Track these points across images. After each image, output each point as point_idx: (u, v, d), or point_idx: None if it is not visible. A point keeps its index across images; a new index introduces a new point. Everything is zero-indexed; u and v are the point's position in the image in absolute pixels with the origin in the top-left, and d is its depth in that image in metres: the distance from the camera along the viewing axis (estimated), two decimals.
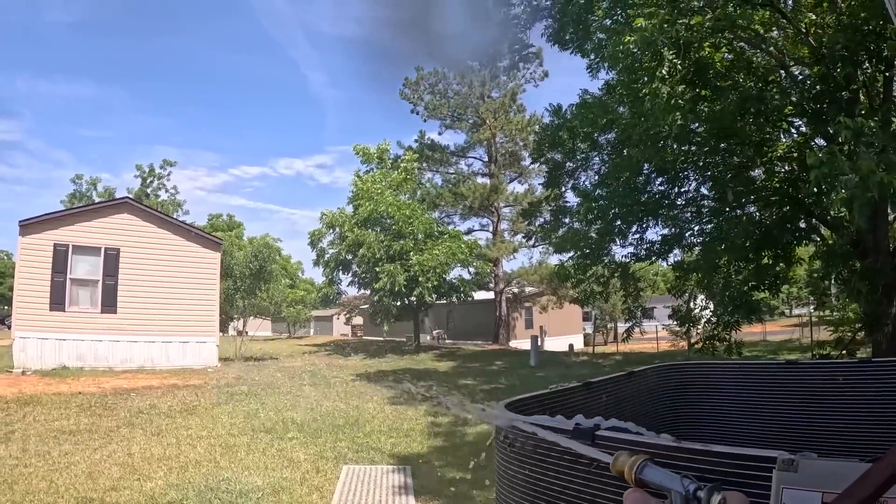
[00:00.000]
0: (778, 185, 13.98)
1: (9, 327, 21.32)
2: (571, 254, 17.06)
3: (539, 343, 23.15)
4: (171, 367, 19.24)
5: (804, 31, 11.51)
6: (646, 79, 11.29)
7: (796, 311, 35.97)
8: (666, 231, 16.04)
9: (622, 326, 47.83)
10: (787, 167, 13.79)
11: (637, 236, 16.52)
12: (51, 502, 6.48)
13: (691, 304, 17.47)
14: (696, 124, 12.45)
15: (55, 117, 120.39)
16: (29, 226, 17.96)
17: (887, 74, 11.45)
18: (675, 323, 18.31)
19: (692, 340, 16.35)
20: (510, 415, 2.16)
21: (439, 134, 34.10)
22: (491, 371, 20.74)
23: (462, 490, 7.33)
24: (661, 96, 10.94)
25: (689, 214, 15.67)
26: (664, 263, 17.89)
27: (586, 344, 40.22)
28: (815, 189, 9.07)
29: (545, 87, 34.30)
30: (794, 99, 12.01)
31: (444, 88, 34.49)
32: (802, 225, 14.37)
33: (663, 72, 10.82)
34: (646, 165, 14.34)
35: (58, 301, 18.05)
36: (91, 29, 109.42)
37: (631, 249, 16.71)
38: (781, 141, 13.68)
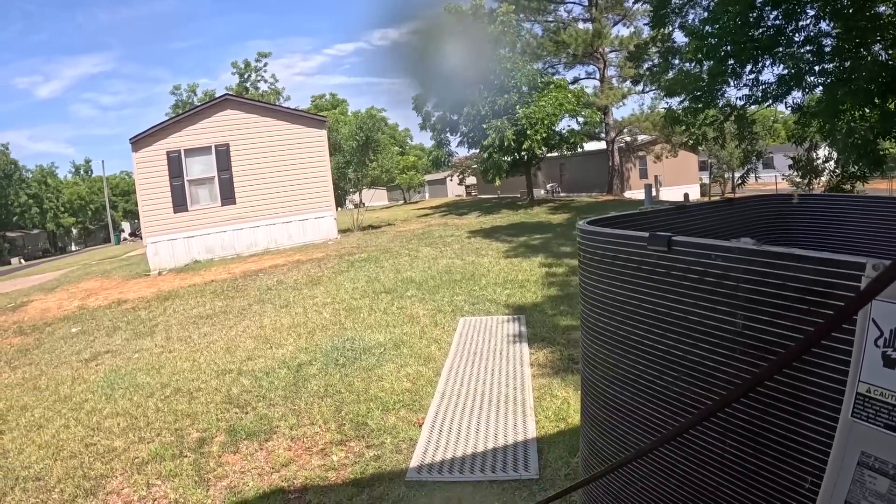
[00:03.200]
0: None
1: (140, 237, 22.79)
2: (683, 97, 16.02)
3: (654, 192, 22.39)
4: (294, 245, 20.14)
5: None
6: None
7: None
8: (783, 71, 14.47)
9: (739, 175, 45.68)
10: None
11: (752, 76, 15.09)
12: (194, 378, 7.06)
13: (813, 153, 16.26)
14: None
15: (143, 39, 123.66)
16: (139, 140, 18.79)
17: None
18: (796, 174, 17.08)
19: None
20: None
21: None
22: None
23: (574, 337, 7.34)
24: None
25: (807, 53, 14.09)
26: (782, 107, 16.32)
27: (703, 194, 38.64)
28: None
29: None
30: None
31: None
32: None
33: None
34: None
35: (179, 203, 19.09)
36: None
37: (746, 91, 15.31)
38: None
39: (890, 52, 12.79)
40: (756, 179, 20.28)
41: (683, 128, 17.11)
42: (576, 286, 10.31)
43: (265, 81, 54.44)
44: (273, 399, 6.12)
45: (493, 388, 5.99)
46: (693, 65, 15.99)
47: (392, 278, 12.08)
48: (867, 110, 13.13)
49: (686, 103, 15.80)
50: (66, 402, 6.82)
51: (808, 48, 13.97)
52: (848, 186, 13.88)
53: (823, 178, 15.77)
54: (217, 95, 21.85)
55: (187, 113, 20.30)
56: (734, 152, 37.97)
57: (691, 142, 17.56)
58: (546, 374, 6.24)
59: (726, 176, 42.94)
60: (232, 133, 19.71)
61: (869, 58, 12.89)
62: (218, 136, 19.55)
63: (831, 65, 13.59)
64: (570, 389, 5.73)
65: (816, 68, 13.94)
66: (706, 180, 45.35)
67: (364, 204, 32.05)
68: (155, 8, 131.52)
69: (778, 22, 14.02)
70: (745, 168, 16.83)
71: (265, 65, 54.52)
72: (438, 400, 5.77)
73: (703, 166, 46.60)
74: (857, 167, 13.24)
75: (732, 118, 16.10)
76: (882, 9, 12.94)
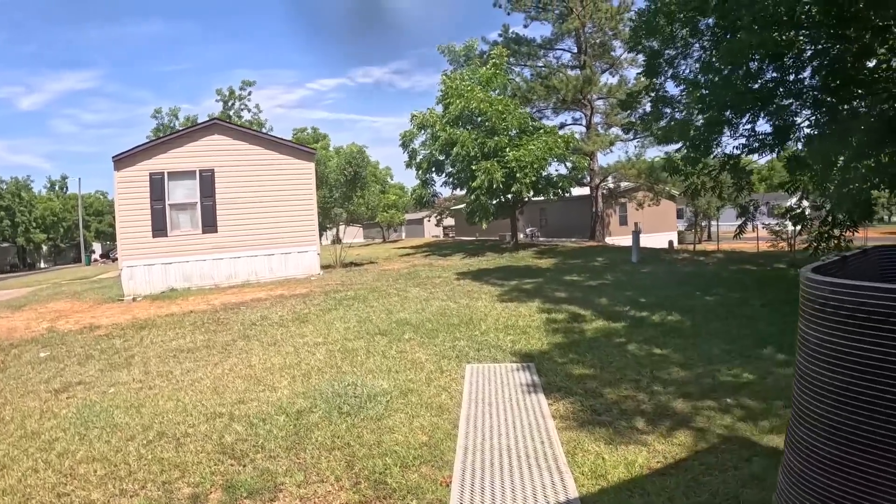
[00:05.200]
0: None
1: (114, 260, 21.93)
2: (679, 145, 15.92)
3: (637, 238, 22.17)
4: (275, 279, 19.43)
5: None
6: None
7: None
8: (779, 122, 14.41)
9: (716, 225, 46.10)
10: None
11: (748, 127, 15.03)
12: (180, 421, 6.34)
13: (803, 202, 16.17)
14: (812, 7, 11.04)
15: (130, 59, 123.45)
16: (123, 159, 18.08)
17: None
18: (788, 222, 17.01)
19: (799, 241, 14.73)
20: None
21: (524, 27, 32.03)
22: (594, 267, 20.07)
23: (591, 387, 6.95)
24: None
25: (803, 106, 14.11)
26: (776, 156, 16.26)
27: (680, 242, 38.78)
28: None
29: None
30: None
31: None
32: None
33: None
34: (757, 52, 12.76)
35: (159, 227, 18.33)
36: None
37: (742, 141, 15.21)
38: None
39: (885, 105, 12.63)
40: (755, 230, 20.01)
41: (683, 176, 16.84)
42: (580, 333, 9.91)
43: (249, 110, 54.01)
44: (273, 450, 5.45)
45: (519, 442, 5.44)
46: (684, 114, 15.96)
47: (385, 319, 11.47)
48: (859, 162, 12.87)
49: (684, 151, 15.62)
50: (34, 440, 6.08)
51: (803, 100, 13.90)
52: (836, 232, 13.72)
53: (809, 228, 15.54)
54: (204, 119, 21.20)
55: (173, 135, 19.68)
56: (712, 201, 38.21)
57: (689, 192, 17.29)
58: (571, 427, 5.76)
59: (703, 224, 43.26)
60: (218, 159, 19.10)
61: (862, 110, 12.97)
62: (203, 161, 18.93)
63: (825, 118, 13.53)
64: (602, 443, 5.31)
65: (812, 118, 13.97)
66: (682, 228, 45.62)
67: (343, 240, 31.40)
68: (143, 29, 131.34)
69: (775, 75, 13.96)
70: (743, 219, 16.58)
71: (249, 93, 54.15)
72: (462, 455, 5.17)
73: (679, 214, 46.86)
74: (845, 216, 13.09)
75: (728, 168, 15.90)
76: (873, 63, 12.96)
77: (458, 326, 10.58)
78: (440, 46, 29.19)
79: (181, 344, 10.24)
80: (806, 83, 13.46)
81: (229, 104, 53.13)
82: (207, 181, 18.83)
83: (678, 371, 7.52)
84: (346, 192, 25.33)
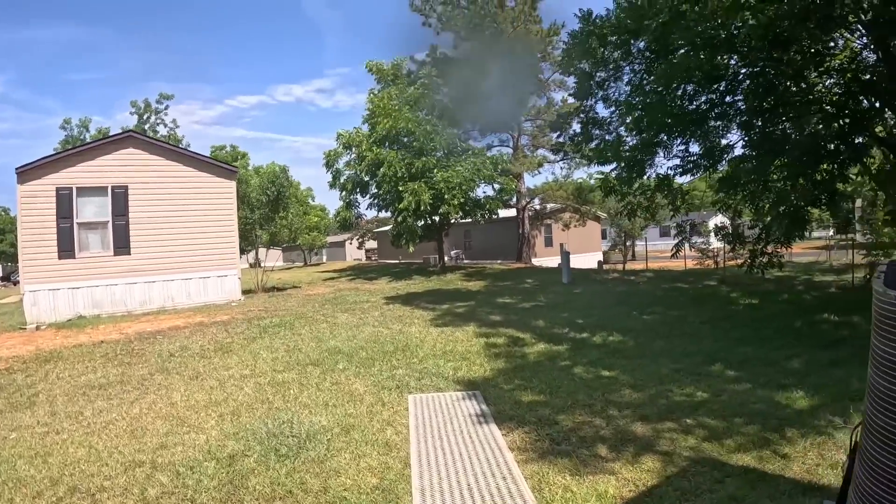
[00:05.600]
0: (835, 99, 12.99)
1: (16, 283, 20.35)
2: (613, 166, 16.04)
3: (567, 259, 22.22)
4: (193, 305, 18.43)
5: None
6: None
7: (815, 234, 34.60)
8: (713, 143, 15.00)
9: (643, 244, 47.07)
10: (844, 78, 12.71)
11: (682, 148, 15.47)
12: (94, 472, 5.51)
13: (736, 220, 16.74)
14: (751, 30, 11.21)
15: (39, 65, 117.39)
16: (27, 172, 16.72)
17: None
18: (714, 240, 17.39)
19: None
20: None
21: (454, 47, 31.76)
22: (525, 289, 19.94)
23: (544, 414, 6.57)
24: None
25: (737, 126, 14.63)
26: (708, 176, 16.67)
27: (605, 262, 39.40)
28: None
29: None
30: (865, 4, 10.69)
31: None
32: (859, 141, 13.47)
33: None
34: (694, 74, 13.01)
35: (66, 248, 17.05)
36: None
37: (677, 161, 15.55)
38: (839, 52, 12.62)
39: (819, 125, 13.16)
40: (692, 248, 20.34)
41: (620, 197, 16.98)
42: (522, 357, 9.53)
43: (165, 125, 52.03)
44: (205, 503, 4.79)
45: (480, 480, 4.98)
46: (614, 136, 16.23)
47: (315, 348, 10.85)
48: (799, 180, 13.48)
49: (618, 172, 15.71)
50: None
51: (738, 122, 14.28)
52: (767, 250, 14.11)
53: (745, 245, 15.91)
54: (119, 131, 19.96)
55: (84, 146, 18.31)
56: (636, 221, 38.98)
57: (626, 212, 17.43)
58: (532, 460, 5.36)
59: (627, 244, 44.10)
60: (132, 174, 18.00)
61: (801, 131, 13.34)
62: (116, 177, 17.79)
63: (759, 138, 13.83)
64: (567, 475, 4.97)
65: (745, 140, 14.30)
66: (605, 248, 46.28)
67: (263, 263, 30.30)
68: (56, 33, 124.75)
69: (711, 96, 14.25)
70: (680, 238, 16.77)
71: (166, 107, 52.27)
72: (420, 499, 4.67)
73: (603, 234, 47.64)
74: (780, 232, 13.43)
75: (663, 188, 16.10)
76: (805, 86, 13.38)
77: (395, 354, 10.06)
78: (368, 63, 28.67)
79: (92, 379, 9.31)
80: (741, 105, 13.72)
81: (145, 118, 51.08)
82: (120, 198, 17.70)
83: (630, 393, 7.31)
84: (268, 212, 24.41)
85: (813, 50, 11.93)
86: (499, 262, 34.52)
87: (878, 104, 12.89)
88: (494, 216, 28.51)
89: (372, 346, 10.80)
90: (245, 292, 21.09)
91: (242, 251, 28.81)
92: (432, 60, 31.88)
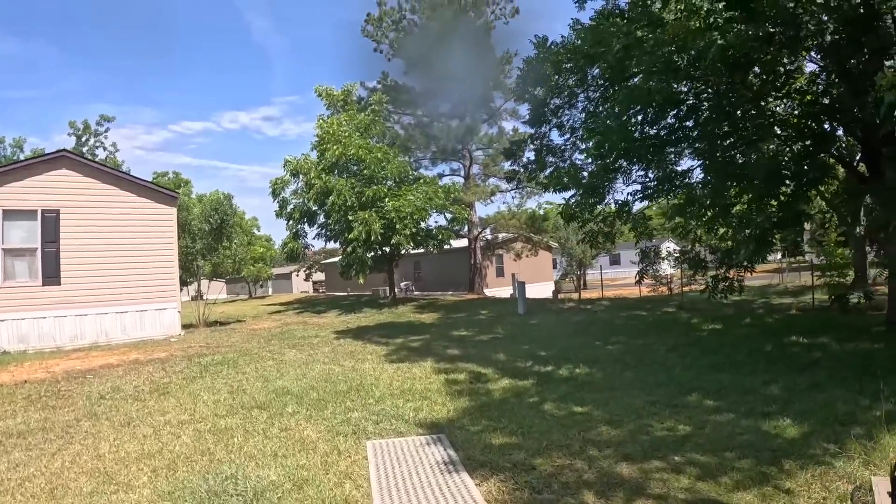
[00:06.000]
0: (796, 121, 13.14)
1: None
2: (572, 192, 15.77)
3: (523, 289, 21.81)
4: (129, 340, 17.29)
5: None
6: None
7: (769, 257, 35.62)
8: (673, 168, 15.02)
9: (591, 273, 47.28)
10: (804, 101, 12.86)
11: (641, 173, 15.39)
12: None
13: (696, 246, 16.70)
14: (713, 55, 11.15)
15: None
16: None
17: None
18: (666, 266, 17.38)
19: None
20: None
21: (405, 73, 31.49)
22: (480, 321, 19.45)
23: (519, 459, 6.01)
24: (699, 13, 9.97)
25: (697, 151, 14.56)
26: (667, 202, 16.69)
27: (557, 291, 39.44)
28: (886, 114, 8.22)
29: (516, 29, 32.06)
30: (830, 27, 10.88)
31: (410, 25, 31.89)
32: (824, 160, 13.66)
33: None
34: (654, 99, 12.82)
35: None
36: None
37: (637, 187, 15.48)
38: (802, 73, 12.90)
39: (785, 147, 13.37)
40: (655, 277, 20.24)
41: (580, 224, 16.76)
42: (487, 394, 8.86)
43: (104, 148, 49.97)
44: None
45: None
46: (568, 163, 16.20)
47: (261, 389, 10.00)
48: (759, 203, 13.62)
49: (577, 199, 15.47)
50: None
51: (698, 146, 14.18)
52: (731, 273, 14.05)
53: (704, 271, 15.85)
54: (52, 151, 18.67)
55: (12, 165, 16.91)
56: (587, 250, 39.09)
57: (588, 239, 17.25)
58: None
59: (578, 273, 44.21)
60: (65, 198, 16.80)
61: (764, 153, 13.41)
62: (47, 200, 16.57)
63: (720, 162, 13.79)
64: None
65: (706, 164, 14.17)
66: (556, 277, 46.29)
67: (205, 296, 29.03)
68: None
69: (672, 121, 14.17)
70: (644, 264, 16.63)
71: (107, 130, 50.26)
72: None
73: (554, 264, 47.70)
74: (743, 256, 13.23)
75: (623, 214, 15.97)
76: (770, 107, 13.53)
77: (348, 394, 9.31)
78: (318, 88, 28.02)
79: (10, 426, 8.26)
80: (699, 130, 13.65)
81: (83, 139, 49.05)
82: (51, 223, 16.50)
83: (608, 430, 6.85)
84: (211, 242, 23.31)
85: (774, 73, 11.95)
86: (450, 293, 33.99)
87: (837, 126, 13.25)
88: (446, 246, 28.00)
89: (323, 385, 10.03)
90: (185, 327, 20.00)
91: (183, 283, 27.58)
92: (383, 87, 31.51)
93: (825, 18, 10.68)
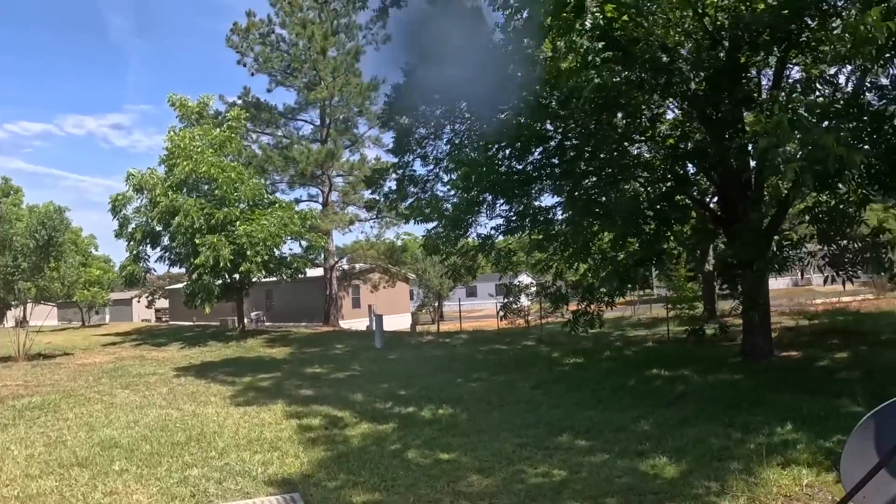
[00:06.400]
0: (660, 163, 13.82)
1: None
2: (434, 224, 15.84)
3: (381, 323, 21.28)
4: None
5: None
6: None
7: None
8: (537, 204, 15.41)
9: (449, 304, 47.49)
10: (666, 145, 13.54)
11: (505, 207, 15.51)
12: None
13: (556, 282, 16.41)
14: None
15: None
16: None
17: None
18: (524, 299, 17.82)
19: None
20: None
21: (268, 91, 30.68)
22: (337, 356, 18.74)
23: None
24: (579, 52, 9.99)
25: (560, 188, 14.88)
26: (530, 237, 16.72)
27: (414, 324, 39.33)
28: (761, 158, 8.80)
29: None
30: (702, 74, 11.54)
31: (277, 40, 31.07)
32: (682, 201, 14.56)
33: (586, 24, 9.76)
34: (522, 135, 13.28)
35: None
36: None
37: (500, 221, 15.60)
38: (667, 118, 13.61)
39: (648, 188, 14.05)
40: (519, 312, 20.31)
41: (443, 256, 16.71)
42: (345, 441, 7.89)
43: None
44: None
45: None
46: (429, 194, 16.24)
47: (85, 440, 8.74)
48: (625, 240, 14.00)
49: (441, 229, 15.44)
50: None
51: (562, 184, 14.42)
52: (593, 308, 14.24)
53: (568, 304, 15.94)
54: None
55: None
56: (444, 282, 39.19)
57: (450, 273, 17.14)
58: None
59: (435, 305, 44.27)
60: None
61: (627, 192, 14.31)
62: None
63: (585, 199, 14.17)
64: None
65: (573, 201, 14.35)
66: (413, 309, 46.14)
67: (29, 323, 26.09)
68: None
69: (538, 157, 14.34)
70: (508, 299, 16.74)
71: None
72: None
73: (411, 295, 47.55)
74: (606, 291, 13.48)
75: (486, 248, 16.08)
76: (634, 149, 14.28)
77: (187, 445, 8.25)
78: (171, 97, 26.02)
79: None
80: (567, 167, 13.81)
81: None
82: None
83: (479, 479, 6.38)
84: (37, 261, 20.80)
85: (640, 116, 12.43)
86: (304, 324, 32.81)
87: (698, 170, 13.97)
88: (301, 275, 26.96)
89: (158, 434, 8.88)
90: (1, 360, 17.77)
91: (7, 306, 24.67)
92: (244, 102, 30.32)
93: (690, 70, 11.23)
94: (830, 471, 5.79)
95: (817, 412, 8.11)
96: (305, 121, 33.64)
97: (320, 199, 33.15)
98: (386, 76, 29.06)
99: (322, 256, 32.19)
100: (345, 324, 34.02)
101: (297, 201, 31.72)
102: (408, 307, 44.79)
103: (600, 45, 10.09)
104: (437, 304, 45.05)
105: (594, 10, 9.88)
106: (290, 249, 26.79)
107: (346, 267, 36.05)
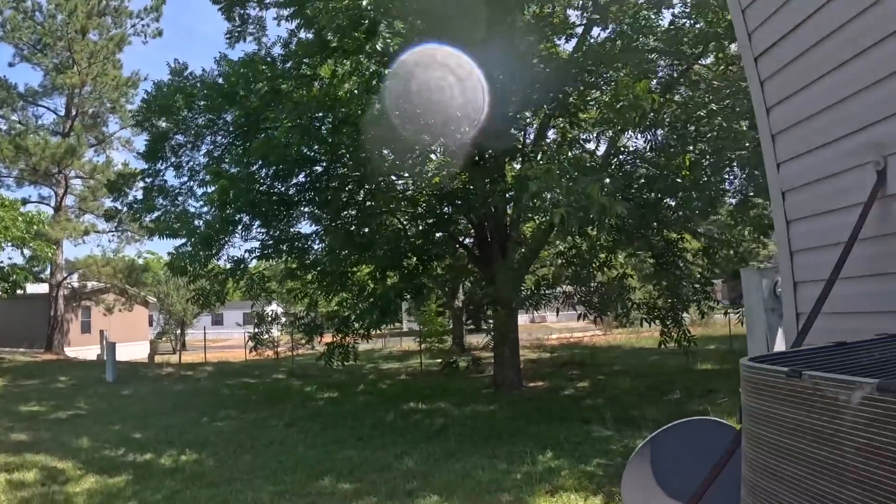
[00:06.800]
0: (424, 200, 14.59)
1: None
2: (183, 241, 14.51)
3: (114, 351, 19.06)
4: None
5: None
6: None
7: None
8: (296, 230, 15.69)
9: (193, 333, 44.51)
10: (435, 181, 13.92)
11: (263, 230, 15.27)
12: None
13: (310, 312, 16.64)
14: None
15: None
16: None
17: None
18: (274, 330, 17.80)
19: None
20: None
21: (10, 66, 27.23)
22: (59, 391, 16.30)
23: None
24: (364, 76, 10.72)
25: (316, 216, 15.46)
26: (286, 264, 16.61)
27: (154, 353, 36.40)
28: (531, 199, 9.39)
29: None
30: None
31: (34, 7, 27.28)
32: (441, 238, 15.46)
33: (377, 47, 10.48)
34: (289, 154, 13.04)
35: None
36: None
37: (256, 244, 15.31)
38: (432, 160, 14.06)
39: (407, 222, 15.12)
40: (272, 339, 19.30)
41: (191, 279, 15.52)
42: (66, 500, 6.50)
43: None
44: None
45: None
46: (180, 209, 15.67)
47: None
48: (387, 273, 14.42)
49: (192, 248, 14.10)
50: None
51: (325, 211, 14.84)
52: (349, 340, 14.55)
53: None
54: None
55: None
56: (189, 308, 36.92)
57: (198, 297, 16.20)
58: None
59: (177, 332, 41.43)
60: None
61: (388, 227, 15.15)
62: None
63: (347, 228, 14.66)
64: None
65: (334, 229, 14.75)
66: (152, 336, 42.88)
67: None
68: None
69: (304, 180, 14.63)
70: (259, 329, 16.56)
71: None
72: None
73: (150, 321, 44.24)
74: (367, 322, 13.59)
75: (240, 273, 15.60)
76: (401, 183, 14.91)
77: None
78: None
79: None
80: (331, 195, 14.07)
81: None
82: None
83: None
84: None
85: (410, 151, 12.65)
86: (21, 350, 28.61)
87: (460, 211, 14.76)
88: (20, 291, 23.60)
89: None
90: None
91: None
92: None
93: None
94: (597, 494, 6.14)
95: (573, 438, 8.82)
96: (48, 108, 30.13)
97: (52, 203, 29.67)
98: (148, 74, 27.12)
99: (49, 270, 28.80)
100: (72, 351, 30.42)
101: (25, 201, 27.85)
102: (146, 334, 41.44)
103: (386, 71, 10.76)
104: (179, 331, 42.11)
105: (386, 34, 10.43)
106: (10, 258, 23.57)
107: (76, 285, 32.41)
